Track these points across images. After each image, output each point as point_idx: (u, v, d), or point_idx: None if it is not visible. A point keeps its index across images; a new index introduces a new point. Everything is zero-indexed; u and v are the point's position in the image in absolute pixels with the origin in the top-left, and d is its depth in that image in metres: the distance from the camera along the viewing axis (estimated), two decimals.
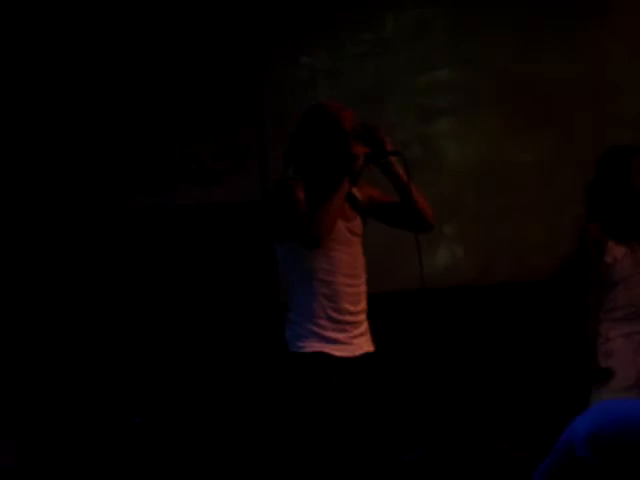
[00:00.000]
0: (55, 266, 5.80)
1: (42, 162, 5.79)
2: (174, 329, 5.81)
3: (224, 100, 5.85)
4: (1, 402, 5.44)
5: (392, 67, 5.88)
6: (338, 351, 4.29)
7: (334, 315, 4.29)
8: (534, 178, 5.88)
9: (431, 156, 5.90)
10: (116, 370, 5.75)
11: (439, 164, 5.91)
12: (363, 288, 4.38)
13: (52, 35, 5.77)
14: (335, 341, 4.29)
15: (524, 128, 5.88)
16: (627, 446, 1.60)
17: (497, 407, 5.73)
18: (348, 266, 4.33)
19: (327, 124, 4.30)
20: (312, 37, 5.89)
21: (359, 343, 4.34)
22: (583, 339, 4.83)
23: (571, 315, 4.96)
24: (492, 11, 5.89)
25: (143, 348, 5.78)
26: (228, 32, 5.86)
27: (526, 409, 5.73)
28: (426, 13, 5.92)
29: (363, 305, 4.37)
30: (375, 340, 5.64)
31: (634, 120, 5.80)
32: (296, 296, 4.35)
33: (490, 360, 5.79)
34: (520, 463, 2.36)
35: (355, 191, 4.42)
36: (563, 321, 5.58)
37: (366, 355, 4.36)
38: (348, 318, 4.31)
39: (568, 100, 5.87)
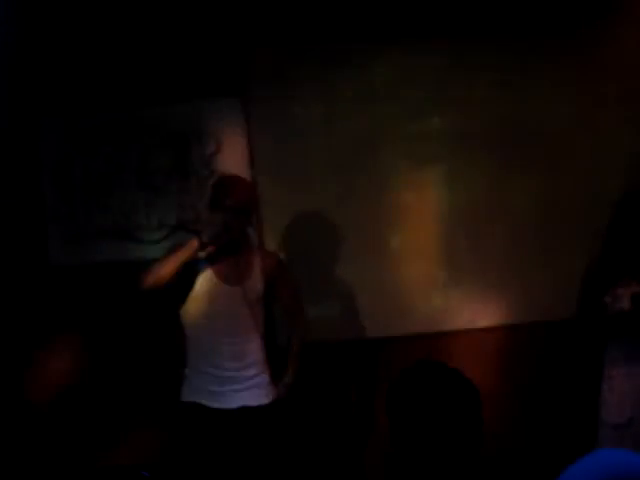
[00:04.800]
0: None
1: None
2: None
3: (216, 148, 5.89)
4: None
5: (384, 114, 5.89)
6: (217, 403, 4.70)
7: (212, 371, 4.71)
8: (528, 225, 5.89)
9: (424, 202, 5.91)
10: None
11: (432, 210, 5.93)
12: (251, 345, 4.76)
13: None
14: (213, 393, 4.71)
15: (517, 174, 5.88)
16: None
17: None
18: (230, 327, 4.72)
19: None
20: (305, 86, 5.90)
21: (239, 397, 4.71)
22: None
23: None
24: (482, 58, 5.90)
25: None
26: (220, 80, 5.89)
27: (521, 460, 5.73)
28: (416, 60, 5.94)
29: (250, 360, 4.75)
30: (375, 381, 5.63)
31: (630, 163, 5.83)
32: (187, 352, 4.80)
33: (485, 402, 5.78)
34: None
35: (255, 259, 4.85)
36: (558, 363, 5.65)
37: (258, 409, 4.73)
38: (227, 374, 4.71)
39: (561, 145, 5.88)
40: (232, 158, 5.85)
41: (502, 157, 5.91)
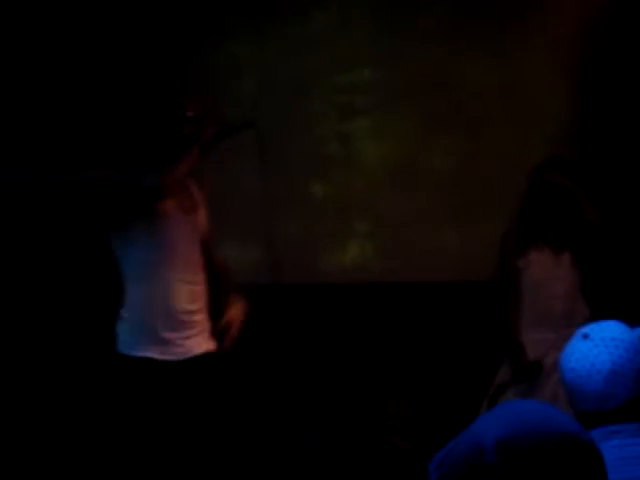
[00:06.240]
0: None
1: None
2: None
3: (148, 84, 5.82)
4: None
5: (315, 63, 5.91)
6: (166, 354, 4.12)
7: (166, 314, 4.13)
8: (448, 180, 5.97)
9: (348, 154, 5.97)
10: None
11: (355, 162, 5.98)
12: (200, 287, 4.25)
13: None
14: (166, 342, 4.12)
15: (441, 130, 5.97)
16: (536, 453, 1.59)
17: (394, 403, 5.80)
18: (185, 262, 4.20)
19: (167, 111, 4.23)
20: (239, 27, 5.90)
21: (191, 345, 4.19)
22: (508, 336, 4.93)
23: (488, 317, 5.10)
24: (416, 13, 5.95)
25: None
26: (158, 17, 5.82)
27: (422, 405, 5.81)
28: (351, 11, 5.97)
29: (200, 304, 4.24)
30: (273, 331, 5.59)
31: (547, 129, 5.93)
32: (130, 291, 4.18)
33: (391, 355, 5.88)
34: (411, 456, 2.41)
35: (193, 187, 4.35)
36: (464, 323, 5.74)
37: (208, 356, 4.23)
38: (183, 317, 4.17)
39: (485, 105, 5.97)
40: None
41: (429, 114, 5.98)
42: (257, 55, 5.91)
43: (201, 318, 4.26)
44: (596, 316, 4.06)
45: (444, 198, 5.96)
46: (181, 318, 4.17)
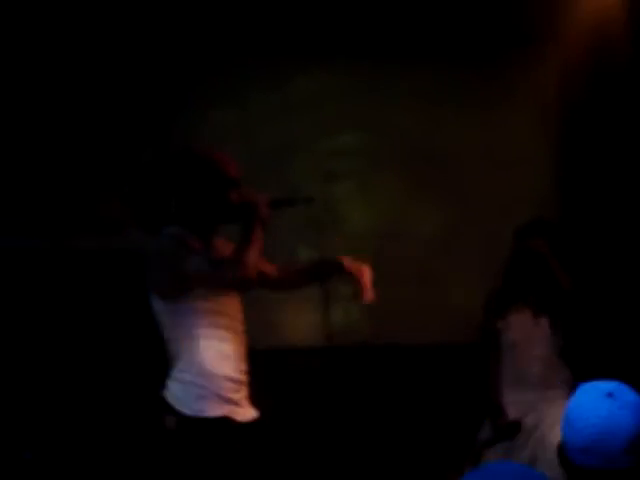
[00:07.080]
0: None
1: None
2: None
3: (134, 150, 5.88)
4: None
5: (299, 128, 5.98)
6: (239, 415, 3.87)
7: (233, 375, 3.88)
8: (432, 244, 6.03)
9: (332, 217, 6.00)
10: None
11: (340, 225, 6.02)
12: (245, 345, 3.99)
13: None
14: (236, 403, 3.88)
15: (424, 194, 6.04)
16: None
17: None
18: (238, 323, 3.97)
19: (215, 174, 3.96)
20: (223, 94, 5.96)
21: (249, 406, 3.94)
22: (488, 398, 4.98)
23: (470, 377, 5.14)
24: (399, 78, 6.05)
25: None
26: (142, 83, 5.90)
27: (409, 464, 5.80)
28: (334, 77, 6.04)
29: (247, 364, 3.96)
30: (268, 397, 5.62)
31: (530, 191, 5.98)
32: (191, 354, 3.85)
33: (379, 416, 5.87)
34: None
35: (224, 247, 4.00)
36: (449, 383, 5.75)
37: (258, 419, 3.95)
38: (242, 378, 3.92)
39: (468, 169, 6.04)
40: None
41: (411, 179, 6.05)
42: (241, 121, 5.96)
43: (248, 380, 3.98)
44: (577, 379, 4.09)
45: (428, 261, 6.00)
46: (240, 378, 3.92)
